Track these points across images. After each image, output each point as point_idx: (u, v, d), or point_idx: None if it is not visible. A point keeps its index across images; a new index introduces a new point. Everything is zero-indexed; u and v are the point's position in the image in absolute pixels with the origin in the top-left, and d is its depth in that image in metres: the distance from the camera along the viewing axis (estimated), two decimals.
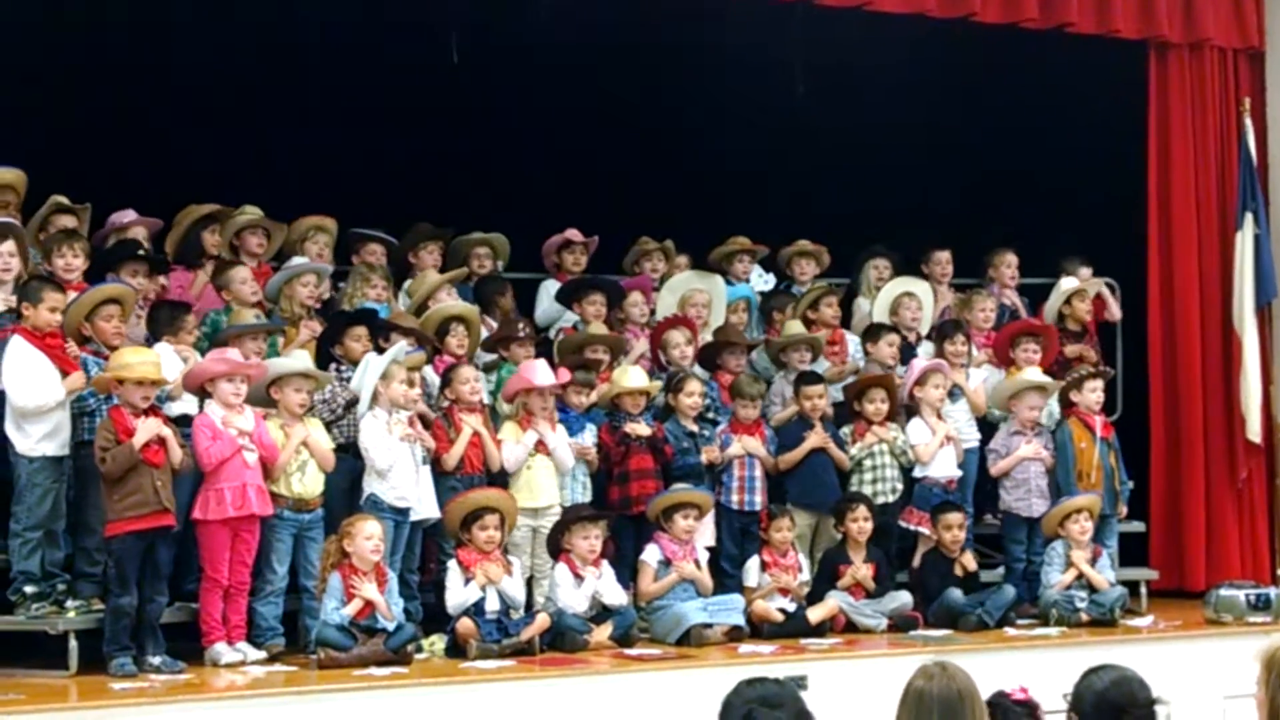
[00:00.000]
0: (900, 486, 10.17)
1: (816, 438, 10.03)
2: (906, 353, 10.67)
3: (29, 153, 9.35)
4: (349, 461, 8.98)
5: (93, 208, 9.53)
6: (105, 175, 9.92)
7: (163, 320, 8.91)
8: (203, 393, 8.57)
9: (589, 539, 9.10)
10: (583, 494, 9.55)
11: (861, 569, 9.73)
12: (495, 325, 10.12)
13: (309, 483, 8.72)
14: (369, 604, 8.39)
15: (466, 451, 9.19)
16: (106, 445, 8.04)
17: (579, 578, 9.08)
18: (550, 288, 10.81)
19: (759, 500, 9.93)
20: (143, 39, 10.31)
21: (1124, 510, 10.70)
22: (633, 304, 10.56)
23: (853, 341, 10.96)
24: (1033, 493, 10.33)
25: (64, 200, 9.40)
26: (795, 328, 10.63)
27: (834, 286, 11.21)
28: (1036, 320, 11.11)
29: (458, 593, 8.78)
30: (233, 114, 10.65)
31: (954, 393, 10.47)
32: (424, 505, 9.02)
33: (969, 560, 10.00)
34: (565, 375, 9.58)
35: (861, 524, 9.76)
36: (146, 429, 8.06)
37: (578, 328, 10.41)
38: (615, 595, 9.15)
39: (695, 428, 9.88)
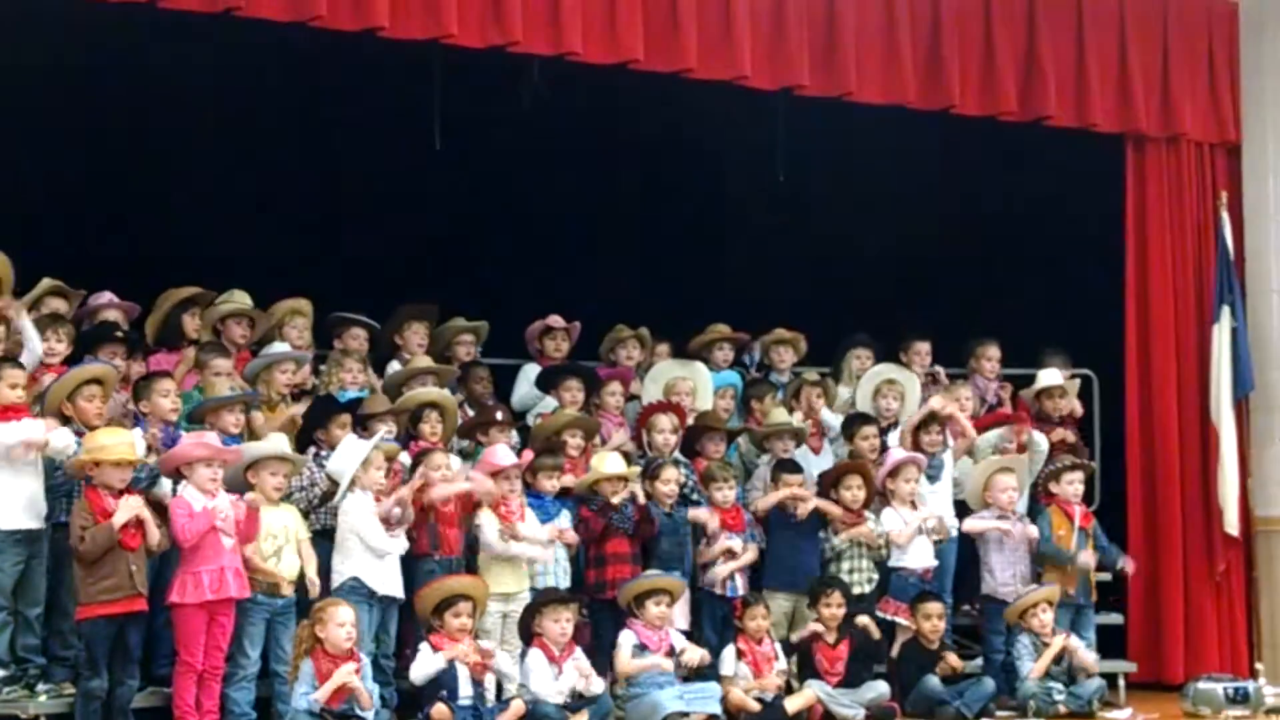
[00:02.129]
0: (875, 577, 10.14)
1: (786, 490, 10.03)
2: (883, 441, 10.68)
3: (12, 233, 9.38)
4: (325, 547, 8.96)
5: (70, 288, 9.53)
6: (85, 255, 9.92)
7: (139, 391, 8.92)
8: (177, 474, 8.54)
9: (560, 622, 9.06)
10: (563, 578, 9.52)
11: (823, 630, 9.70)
12: (469, 412, 10.14)
13: (284, 568, 8.70)
14: (340, 690, 8.33)
15: (444, 532, 9.18)
16: (85, 524, 8.00)
17: (554, 662, 9.04)
18: (530, 372, 10.82)
19: (740, 587, 9.91)
20: (125, 120, 10.36)
21: (1095, 560, 10.62)
22: (610, 392, 10.56)
23: (833, 427, 10.94)
24: (1016, 579, 10.33)
25: (60, 284, 9.39)
26: (779, 415, 10.65)
27: (822, 376, 11.25)
28: (1008, 411, 11.15)
29: (425, 663, 8.68)
30: (214, 197, 10.71)
31: (932, 475, 10.48)
32: (391, 583, 8.98)
33: (955, 661, 9.97)
34: (528, 456, 9.57)
35: (834, 610, 9.73)
36: (127, 507, 8.04)
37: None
38: (593, 683, 9.10)
39: (672, 512, 9.87)
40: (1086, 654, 10.08)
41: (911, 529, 10.16)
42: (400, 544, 8.97)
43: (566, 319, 10.99)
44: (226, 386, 9.34)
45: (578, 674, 9.04)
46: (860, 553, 10.12)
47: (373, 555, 8.86)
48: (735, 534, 9.99)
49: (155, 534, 8.17)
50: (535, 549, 9.36)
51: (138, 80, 10.20)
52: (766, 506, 10.17)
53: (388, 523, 8.89)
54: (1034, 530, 10.40)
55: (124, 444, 8.18)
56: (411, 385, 9.93)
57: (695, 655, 9.40)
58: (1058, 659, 10.06)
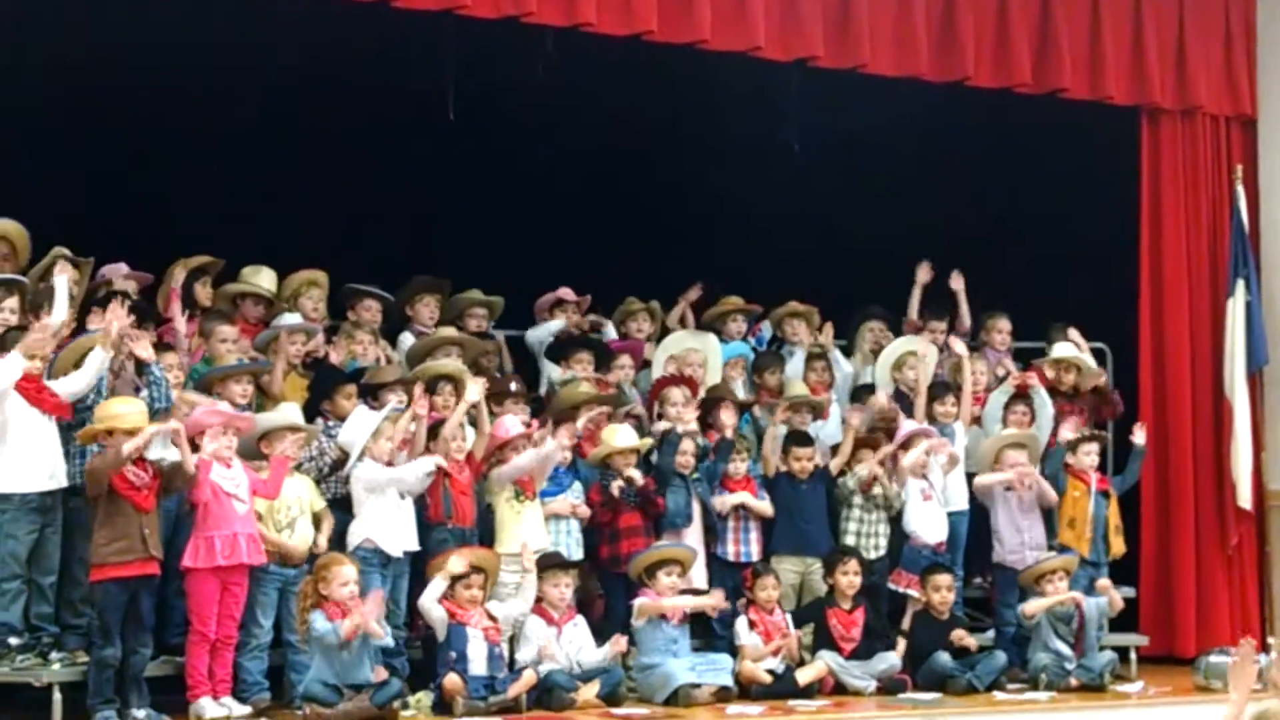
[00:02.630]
0: (885, 543, 10.18)
1: (781, 414, 10.19)
2: (905, 411, 10.68)
3: (28, 202, 9.38)
4: (338, 516, 8.99)
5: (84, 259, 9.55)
6: (102, 226, 9.92)
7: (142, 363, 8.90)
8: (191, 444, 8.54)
9: (559, 586, 9.11)
10: (575, 549, 9.54)
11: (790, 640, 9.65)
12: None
13: (297, 539, 8.72)
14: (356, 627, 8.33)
15: (458, 501, 9.19)
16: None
17: (553, 625, 9.07)
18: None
19: (755, 551, 9.96)
20: (135, 91, 10.36)
21: (1121, 546, 10.71)
22: (620, 365, 10.57)
23: (841, 366, 11.03)
24: (1025, 545, 10.33)
25: (66, 252, 9.40)
26: (798, 388, 10.65)
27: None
28: (1020, 381, 11.13)
29: (432, 589, 8.71)
30: (227, 172, 10.71)
31: None
32: (405, 539, 9.00)
33: (968, 640, 9.97)
34: (535, 424, 9.56)
35: (851, 578, 9.77)
36: (146, 433, 8.02)
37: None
38: (589, 650, 9.12)
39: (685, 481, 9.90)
40: (1112, 592, 10.11)
41: (918, 453, 10.13)
42: (425, 462, 8.98)
43: (577, 292, 11.00)
44: (233, 356, 9.35)
45: (574, 642, 9.09)
46: (876, 519, 10.16)
47: (400, 499, 8.87)
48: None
49: (190, 459, 8.16)
50: (552, 442, 9.37)
51: (147, 50, 10.18)
52: (772, 444, 10.16)
53: (389, 462, 8.90)
54: (1044, 482, 10.40)
55: (136, 413, 8.19)
56: (436, 355, 9.94)
57: (714, 598, 9.44)
58: (1067, 620, 10.06)
